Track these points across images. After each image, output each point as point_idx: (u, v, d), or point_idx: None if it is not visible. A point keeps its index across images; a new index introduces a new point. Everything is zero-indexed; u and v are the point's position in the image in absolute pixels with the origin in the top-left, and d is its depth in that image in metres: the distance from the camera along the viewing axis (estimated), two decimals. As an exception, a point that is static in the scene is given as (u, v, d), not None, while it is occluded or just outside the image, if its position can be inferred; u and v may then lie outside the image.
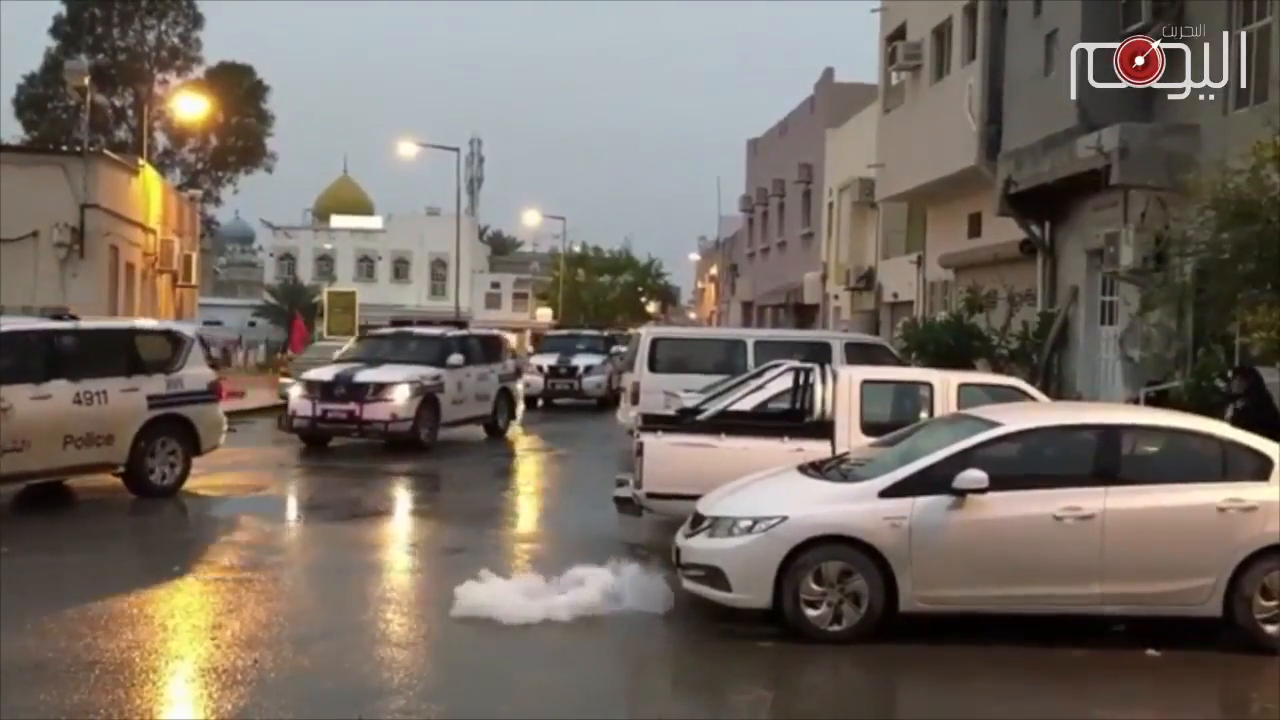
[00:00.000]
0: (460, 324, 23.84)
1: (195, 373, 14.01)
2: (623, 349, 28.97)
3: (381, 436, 18.74)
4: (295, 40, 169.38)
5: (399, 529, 13.15)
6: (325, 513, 13.66)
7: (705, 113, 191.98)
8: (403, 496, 15.50)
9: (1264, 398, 11.98)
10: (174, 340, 14.10)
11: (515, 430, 22.67)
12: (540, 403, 29.44)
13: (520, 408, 23.18)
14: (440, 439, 19.55)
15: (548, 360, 30.24)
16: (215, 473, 15.09)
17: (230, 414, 25.58)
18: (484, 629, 8.14)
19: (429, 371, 19.24)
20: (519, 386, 28.88)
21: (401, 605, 9.09)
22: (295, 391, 19.33)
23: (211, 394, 14.29)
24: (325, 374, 19.34)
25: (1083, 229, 18.90)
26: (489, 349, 21.84)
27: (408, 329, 22.23)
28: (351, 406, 18.54)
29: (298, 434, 19.22)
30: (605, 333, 34.25)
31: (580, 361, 29.85)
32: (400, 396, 18.56)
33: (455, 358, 19.81)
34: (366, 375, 18.93)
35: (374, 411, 18.46)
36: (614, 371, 29.33)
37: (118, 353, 13.27)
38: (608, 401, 28.03)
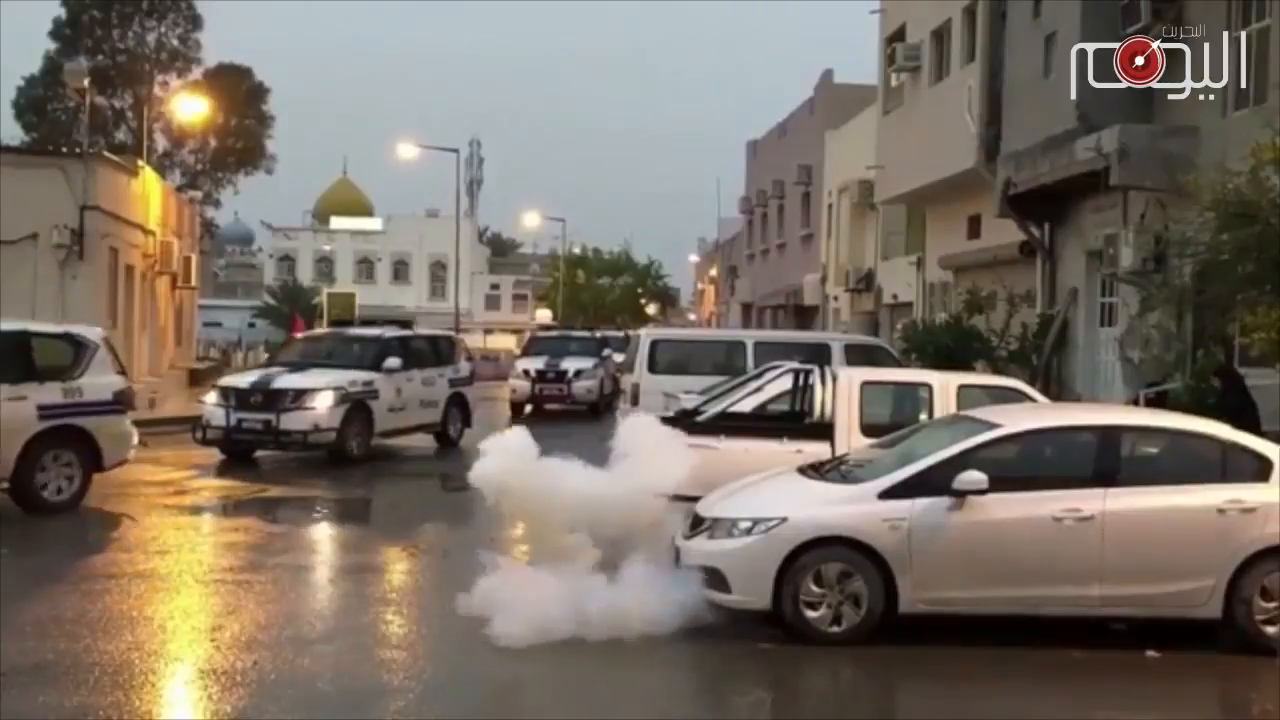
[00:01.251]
0: (404, 324, 21.86)
1: (99, 381, 12.82)
2: (616, 352, 27.67)
3: (302, 448, 16.99)
4: (295, 42, 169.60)
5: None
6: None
7: (705, 114, 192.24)
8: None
9: (1244, 399, 12.01)
10: (76, 345, 12.88)
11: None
12: (528, 409, 27.32)
13: (527, 410, 22.10)
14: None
15: (535, 364, 28.00)
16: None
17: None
18: (482, 631, 8.11)
19: (360, 376, 17.49)
20: (508, 388, 27.38)
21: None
22: (210, 399, 17.48)
23: (118, 404, 13.06)
24: (241, 380, 18.01)
25: (1082, 230, 18.91)
26: (438, 351, 20.13)
27: (342, 330, 20.80)
28: (268, 415, 16.68)
29: (213, 446, 17.22)
30: (598, 334, 32.31)
31: (570, 365, 27.54)
32: (322, 404, 16.77)
33: (392, 361, 18.04)
34: (286, 381, 17.19)
35: (292, 421, 16.61)
36: (607, 375, 27.96)
37: (6, 358, 12.13)
38: (600, 408, 26.44)
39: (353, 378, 17.40)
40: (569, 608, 7.92)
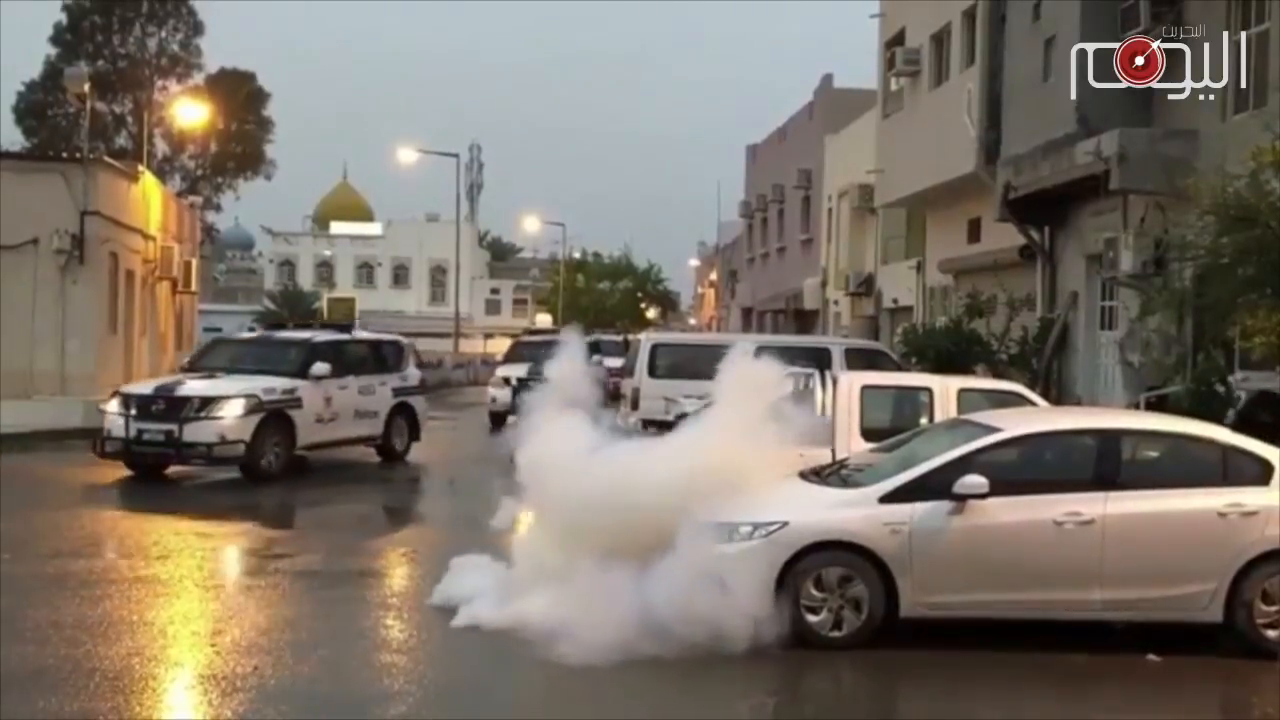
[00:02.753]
0: (342, 326, 20.57)
1: None
2: (612, 357, 26.99)
3: (206, 462, 15.53)
4: (294, 46, 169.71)
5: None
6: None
7: (705, 118, 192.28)
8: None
9: None
10: None
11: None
12: (511, 419, 26.13)
13: (509, 421, 20.29)
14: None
15: (516, 371, 25.47)
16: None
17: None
18: (483, 634, 8.12)
19: (279, 384, 15.97)
20: (488, 397, 25.31)
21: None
22: (111, 407, 15.86)
23: None
24: (145, 386, 16.50)
25: (1082, 234, 18.91)
26: (381, 357, 18.58)
27: (271, 333, 19.45)
28: (170, 426, 15.15)
29: (115, 460, 15.74)
30: (587, 338, 30.60)
31: None
32: (230, 413, 15.23)
33: (319, 367, 16.45)
34: (192, 388, 15.72)
35: (196, 432, 15.09)
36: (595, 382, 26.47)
37: None
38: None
39: (270, 385, 15.87)
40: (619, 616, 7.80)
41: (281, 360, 16.76)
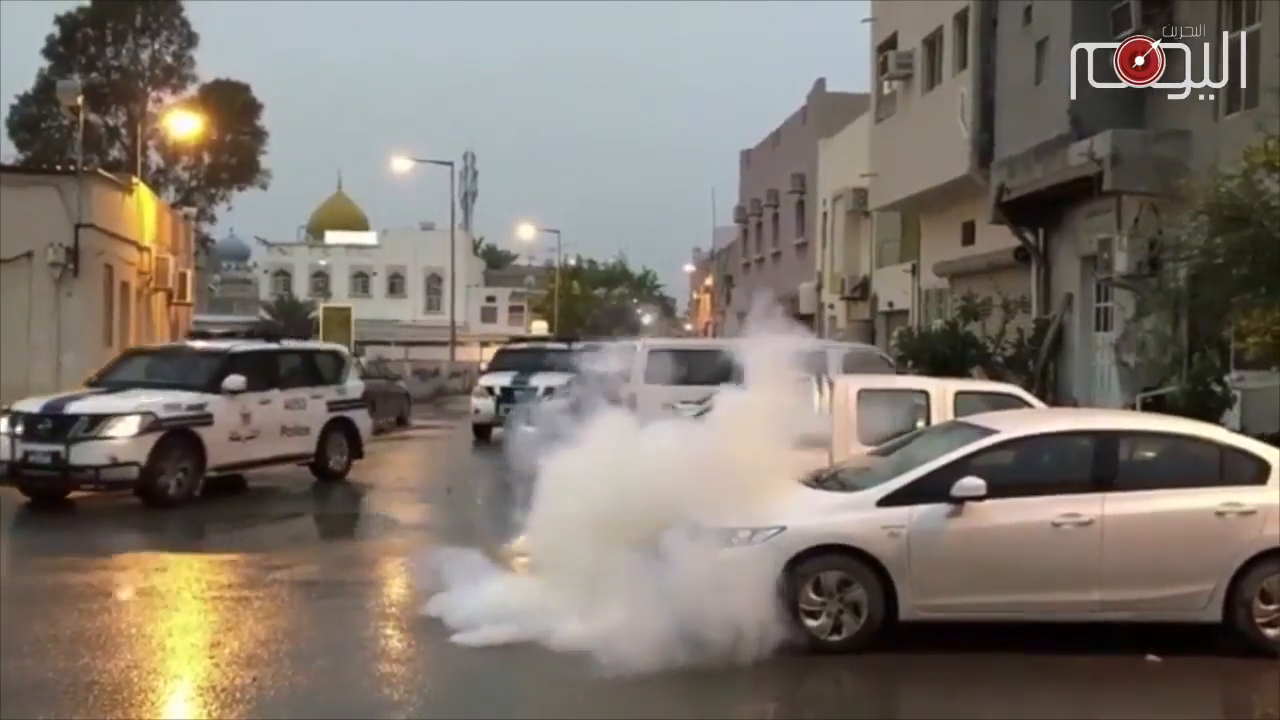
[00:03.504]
0: (270, 335, 19.26)
1: None
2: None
3: (96, 486, 14.13)
4: (289, 56, 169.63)
5: None
6: None
7: (699, 124, 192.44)
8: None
9: None
10: None
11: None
12: (496, 432, 23.40)
13: (494, 433, 19.72)
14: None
15: (500, 380, 24.59)
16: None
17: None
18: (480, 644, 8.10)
19: (185, 399, 14.56)
20: (470, 408, 23.92)
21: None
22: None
23: None
24: (34, 404, 14.63)
25: (1076, 236, 18.95)
26: (314, 368, 17.00)
27: (185, 344, 18.34)
28: (57, 447, 13.78)
29: (2, 485, 14.39)
30: (574, 346, 26.84)
31: (540, 382, 23.39)
32: (123, 432, 13.83)
33: (234, 380, 14.93)
34: (82, 405, 14.28)
35: (85, 454, 13.73)
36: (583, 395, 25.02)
37: None
38: None
39: (174, 400, 14.46)
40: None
41: (192, 373, 15.31)
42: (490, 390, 24.72)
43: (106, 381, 15.53)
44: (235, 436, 15.12)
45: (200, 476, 14.62)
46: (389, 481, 17.79)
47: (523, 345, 29.54)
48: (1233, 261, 12.27)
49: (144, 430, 13.97)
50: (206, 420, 14.68)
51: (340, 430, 17.02)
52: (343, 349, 18.81)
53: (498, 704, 7.21)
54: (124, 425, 13.96)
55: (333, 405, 16.86)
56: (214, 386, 14.94)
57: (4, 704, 6.77)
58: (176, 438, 14.30)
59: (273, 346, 17.20)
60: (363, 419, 17.75)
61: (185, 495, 14.33)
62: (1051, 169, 17.94)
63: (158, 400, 14.44)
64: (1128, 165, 15.97)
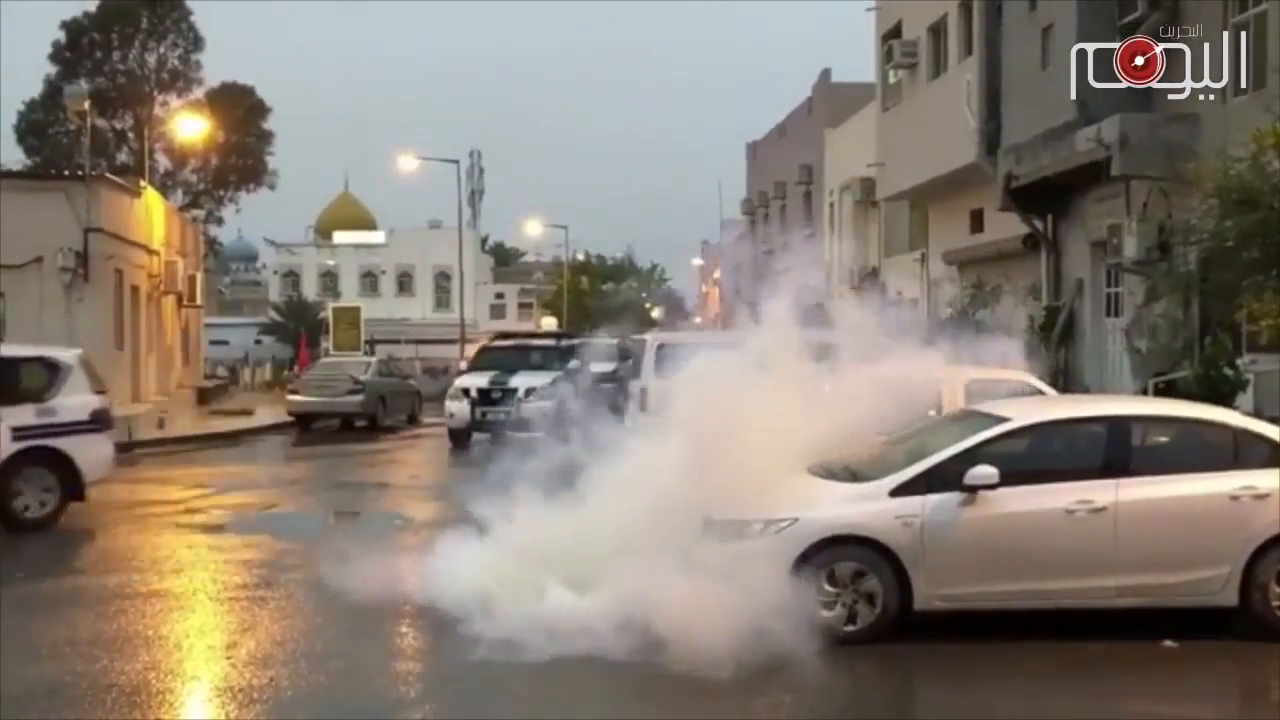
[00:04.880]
0: None
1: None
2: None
3: None
4: (295, 57, 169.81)
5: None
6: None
7: (704, 117, 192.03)
8: None
9: None
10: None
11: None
12: (472, 437, 22.00)
13: (471, 439, 18.92)
14: None
15: (477, 381, 22.42)
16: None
17: (238, 432, 25.94)
18: (494, 638, 8.09)
19: None
20: (445, 413, 22.06)
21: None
22: None
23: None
24: None
25: (1085, 221, 18.90)
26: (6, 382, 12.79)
27: None
28: None
29: None
30: (563, 342, 25.02)
31: (520, 382, 21.49)
32: None
33: None
34: None
35: None
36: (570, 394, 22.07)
37: None
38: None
39: None
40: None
41: None
42: (466, 392, 22.49)
43: None
44: None
45: None
46: (401, 480, 17.82)
47: (508, 342, 26.47)
48: (1243, 244, 12.25)
49: None
50: None
51: (41, 464, 12.85)
52: (61, 358, 13.53)
53: (514, 700, 7.22)
54: None
55: (23, 432, 12.67)
56: None
57: (24, 708, 6.80)
58: None
59: None
60: (85, 448, 13.09)
61: None
62: (1059, 155, 17.89)
63: None
64: (1136, 150, 15.92)
